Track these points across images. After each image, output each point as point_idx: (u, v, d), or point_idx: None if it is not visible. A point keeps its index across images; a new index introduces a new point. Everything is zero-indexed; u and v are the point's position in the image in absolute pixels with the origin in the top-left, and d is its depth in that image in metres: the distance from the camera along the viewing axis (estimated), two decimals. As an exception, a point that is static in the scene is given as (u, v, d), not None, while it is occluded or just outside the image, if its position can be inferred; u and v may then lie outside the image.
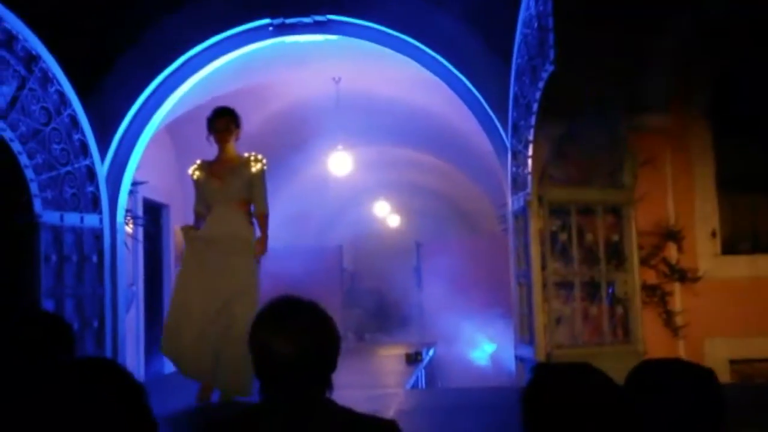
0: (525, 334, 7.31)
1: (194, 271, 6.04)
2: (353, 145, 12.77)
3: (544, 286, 6.99)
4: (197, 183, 6.41)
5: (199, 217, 6.41)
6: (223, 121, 6.39)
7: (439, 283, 14.90)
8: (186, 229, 6.39)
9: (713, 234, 7.82)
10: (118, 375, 1.66)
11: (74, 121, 7.45)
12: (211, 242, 6.10)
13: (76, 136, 7.48)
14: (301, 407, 2.06)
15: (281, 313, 2.12)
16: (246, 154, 6.46)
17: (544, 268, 7.00)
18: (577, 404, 1.88)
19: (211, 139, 6.44)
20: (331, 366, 2.12)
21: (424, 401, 7.05)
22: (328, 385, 2.12)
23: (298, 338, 2.06)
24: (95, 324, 7.54)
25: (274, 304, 2.15)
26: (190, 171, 6.51)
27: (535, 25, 6.64)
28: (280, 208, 15.45)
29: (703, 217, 7.82)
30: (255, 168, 6.38)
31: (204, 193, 6.36)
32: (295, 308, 2.14)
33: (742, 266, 7.79)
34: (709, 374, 2.09)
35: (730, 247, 7.92)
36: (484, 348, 14.14)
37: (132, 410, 1.62)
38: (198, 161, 6.52)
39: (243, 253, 6.11)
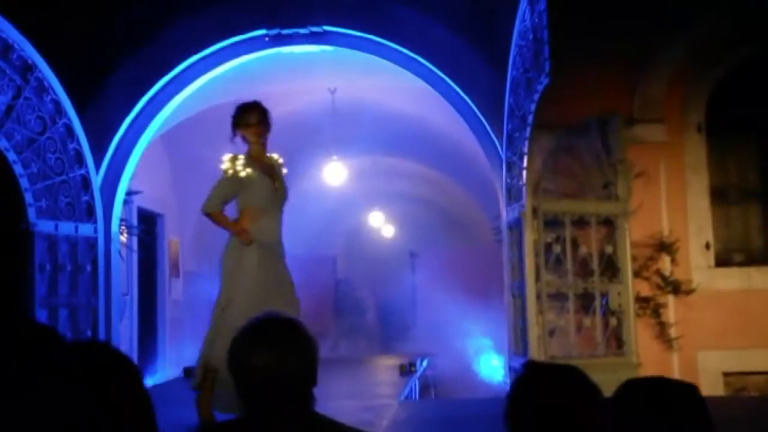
0: (519, 345, 7.32)
1: (260, 280, 5.49)
2: (348, 155, 12.79)
3: (538, 297, 7.00)
4: (245, 180, 5.57)
5: (217, 218, 5.68)
6: (257, 113, 5.77)
7: (433, 294, 14.90)
8: (247, 232, 5.58)
9: (707, 246, 7.84)
10: (111, 355, 1.67)
11: (69, 130, 7.46)
12: (271, 249, 5.63)
13: (71, 146, 7.49)
14: (284, 422, 2.06)
15: (260, 330, 2.14)
16: (269, 155, 5.89)
17: (538, 279, 7.01)
18: (560, 405, 1.94)
19: (243, 136, 5.74)
20: (311, 382, 2.12)
21: (418, 413, 7.05)
22: (309, 400, 2.12)
23: (276, 355, 2.07)
24: (88, 333, 7.52)
25: (254, 322, 2.16)
26: (234, 165, 5.60)
27: (531, 37, 6.67)
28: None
29: (697, 230, 7.85)
30: (285, 171, 5.92)
31: (255, 193, 5.60)
32: (274, 325, 2.15)
33: (735, 279, 7.81)
34: (693, 390, 2.10)
35: (723, 260, 7.94)
36: (479, 358, 14.13)
37: (126, 387, 1.63)
38: (237, 155, 5.68)
39: (284, 262, 5.77)
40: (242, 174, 5.55)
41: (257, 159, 5.67)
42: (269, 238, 5.60)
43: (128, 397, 1.64)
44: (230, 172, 5.56)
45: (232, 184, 5.56)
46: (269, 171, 5.71)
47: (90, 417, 1.56)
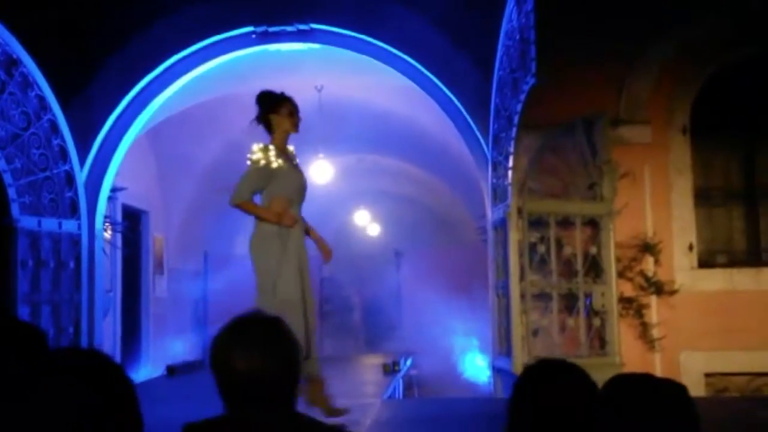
0: (503, 345, 7.34)
1: (297, 273, 5.40)
2: (334, 154, 12.78)
3: (523, 297, 7.02)
4: (275, 170, 5.42)
5: (249, 207, 5.46)
6: (294, 104, 5.61)
7: (419, 293, 14.91)
8: (289, 215, 5.42)
9: (690, 247, 7.88)
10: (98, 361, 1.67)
11: (54, 126, 7.42)
12: (302, 239, 5.53)
13: (55, 142, 7.45)
14: (265, 421, 2.06)
15: (240, 329, 2.13)
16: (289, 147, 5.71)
17: (522, 279, 7.04)
18: (562, 401, 1.98)
19: (275, 123, 5.54)
20: (292, 381, 2.12)
21: (401, 412, 7.05)
22: (290, 400, 2.12)
23: (257, 355, 2.06)
24: (71, 330, 7.49)
25: (235, 320, 2.15)
26: (267, 155, 5.43)
27: (517, 37, 6.69)
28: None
29: (681, 231, 7.89)
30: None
31: (284, 184, 5.46)
32: (255, 324, 2.14)
33: (718, 280, 7.86)
34: (682, 390, 2.12)
35: (706, 261, 7.98)
36: (463, 357, 14.16)
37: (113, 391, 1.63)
38: (267, 145, 5.49)
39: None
40: (274, 165, 5.42)
41: (284, 151, 5.55)
42: (298, 229, 5.50)
43: (117, 399, 1.64)
44: (262, 162, 5.40)
45: (262, 175, 5.41)
46: (296, 164, 5.64)
47: (79, 418, 1.56)
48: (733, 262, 8.04)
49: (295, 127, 5.60)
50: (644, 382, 2.12)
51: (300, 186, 5.58)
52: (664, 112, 7.95)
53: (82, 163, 7.86)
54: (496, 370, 7.68)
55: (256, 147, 5.48)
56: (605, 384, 2.15)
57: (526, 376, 2.14)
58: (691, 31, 7.73)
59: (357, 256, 20.69)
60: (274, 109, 5.57)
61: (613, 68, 7.79)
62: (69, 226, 7.55)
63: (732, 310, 7.60)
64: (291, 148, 5.66)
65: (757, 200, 8.12)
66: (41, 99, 7.29)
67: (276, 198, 5.43)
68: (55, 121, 7.40)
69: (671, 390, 2.10)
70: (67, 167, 7.55)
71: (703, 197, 8.07)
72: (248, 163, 5.48)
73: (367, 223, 20.58)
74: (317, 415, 5.22)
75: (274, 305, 5.25)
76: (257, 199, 5.51)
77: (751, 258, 8.05)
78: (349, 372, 12.41)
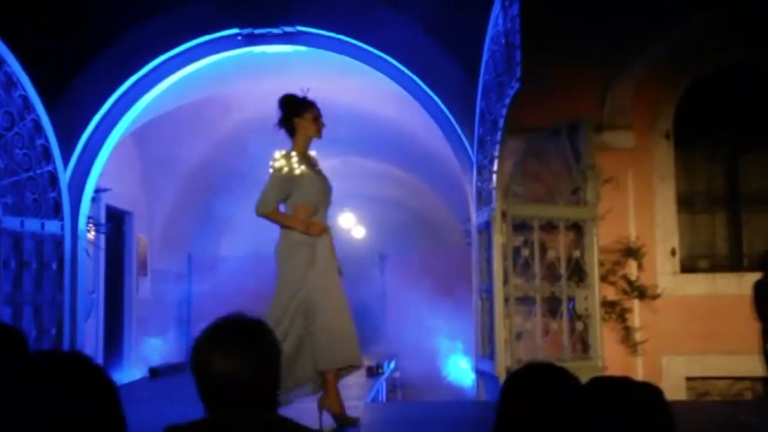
0: (486, 348, 7.35)
1: (326, 280, 5.36)
2: (319, 155, 12.76)
3: (506, 300, 7.04)
4: (299, 178, 5.32)
5: (276, 217, 5.39)
6: (318, 109, 5.53)
7: (403, 296, 14.92)
8: (317, 224, 5.36)
9: (672, 252, 7.93)
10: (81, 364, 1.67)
11: (37, 126, 7.37)
12: (330, 245, 5.50)
13: (39, 142, 7.40)
14: (244, 424, 2.06)
15: (220, 331, 2.13)
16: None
17: (506, 283, 7.06)
18: (549, 403, 2.01)
19: (301, 127, 5.45)
20: (272, 384, 2.12)
21: (384, 414, 7.06)
22: (270, 402, 2.12)
23: (236, 357, 2.06)
24: (53, 332, 7.45)
25: (215, 323, 2.15)
26: (290, 163, 5.33)
27: (503, 41, 6.71)
28: (243, 218, 15.39)
29: (663, 236, 7.94)
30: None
31: (309, 190, 5.36)
32: (235, 326, 2.14)
33: (700, 284, 7.91)
34: (658, 393, 2.14)
35: (688, 266, 8.04)
36: (447, 360, 14.17)
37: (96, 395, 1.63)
38: (289, 152, 5.40)
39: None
40: (297, 172, 5.32)
41: (304, 155, 5.45)
42: (327, 236, 5.43)
43: (100, 401, 1.64)
44: (285, 170, 5.30)
45: (286, 183, 5.32)
46: (315, 167, 5.52)
47: (63, 420, 1.56)
48: (715, 267, 8.10)
49: (319, 132, 5.51)
50: (620, 384, 2.14)
51: (324, 191, 5.48)
52: (647, 118, 8.00)
53: (65, 163, 7.82)
54: (480, 373, 7.70)
55: (278, 154, 5.39)
56: (584, 386, 2.18)
57: (514, 379, 2.16)
58: (675, 37, 7.79)
59: (341, 259, 20.68)
60: (299, 113, 5.47)
61: (597, 73, 7.83)
62: (52, 226, 7.51)
63: (714, 315, 7.65)
64: (312, 153, 5.56)
65: (740, 206, 8.18)
66: (25, 99, 7.25)
67: (301, 206, 5.34)
68: (38, 121, 7.36)
69: (647, 393, 2.12)
70: (50, 168, 7.51)
71: (685, 202, 8.13)
72: (270, 171, 5.37)
73: (351, 225, 20.56)
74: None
75: (288, 313, 5.25)
76: (281, 207, 5.42)
77: (733, 263, 8.11)
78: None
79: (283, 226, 5.39)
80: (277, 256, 5.42)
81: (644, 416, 2.05)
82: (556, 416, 2.04)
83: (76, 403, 1.58)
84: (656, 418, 2.07)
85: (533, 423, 2.05)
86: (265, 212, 5.35)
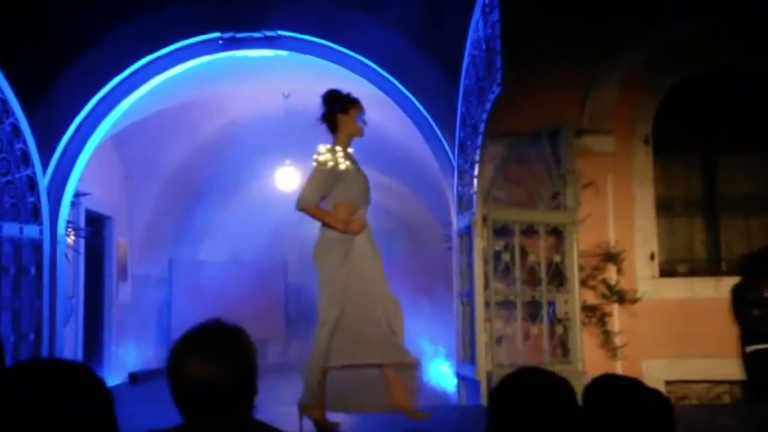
0: (466, 352, 7.37)
1: (361, 279, 5.25)
2: (301, 161, 12.74)
3: (487, 305, 7.06)
4: (343, 173, 5.22)
5: (316, 213, 5.25)
6: (363, 107, 5.44)
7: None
8: (358, 222, 5.22)
9: (652, 257, 7.98)
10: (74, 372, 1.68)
11: (16, 129, 7.32)
12: (373, 244, 5.36)
13: (17, 146, 7.35)
14: (219, 429, 2.06)
15: (196, 337, 2.12)
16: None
17: (486, 287, 7.08)
18: (540, 407, 2.05)
19: (344, 123, 5.35)
20: (248, 389, 2.11)
21: (364, 419, 7.04)
22: (246, 407, 2.11)
23: (208, 362, 2.05)
24: (32, 337, 7.39)
25: (192, 329, 2.14)
26: (335, 157, 5.23)
27: (483, 47, 6.74)
28: (226, 221, 15.35)
29: (643, 240, 7.98)
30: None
31: (352, 187, 5.26)
32: (210, 332, 2.13)
33: (679, 289, 7.96)
34: (667, 402, 2.17)
35: (667, 270, 8.09)
36: (427, 364, 14.17)
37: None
38: (334, 146, 5.29)
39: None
40: (342, 167, 5.20)
41: (347, 155, 5.33)
42: (366, 234, 5.27)
43: (97, 409, 1.66)
44: (330, 164, 5.18)
45: (330, 178, 5.18)
46: (357, 164, 5.40)
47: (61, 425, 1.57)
48: (693, 271, 8.15)
49: (361, 130, 5.41)
50: (631, 385, 2.16)
51: (366, 189, 5.36)
52: (627, 123, 8.05)
53: (45, 167, 7.77)
54: (461, 378, 7.71)
55: (323, 148, 5.29)
56: (589, 385, 2.19)
57: (505, 384, 2.15)
58: (654, 41, 7.85)
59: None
60: (344, 110, 5.37)
61: (578, 79, 7.87)
62: (30, 231, 7.45)
63: (692, 319, 7.70)
64: (351, 150, 5.43)
65: (718, 211, 8.24)
66: (3, 102, 7.20)
67: (342, 204, 5.21)
68: (17, 124, 7.31)
69: (656, 397, 2.15)
70: (29, 172, 7.46)
71: (664, 207, 8.18)
72: (314, 164, 5.24)
73: (333, 230, 20.57)
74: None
75: (334, 315, 5.15)
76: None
77: (711, 267, 8.17)
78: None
79: (323, 224, 5.26)
80: (314, 256, 5.33)
81: (654, 425, 2.07)
82: (546, 420, 2.05)
83: (73, 411, 1.59)
84: (663, 426, 2.09)
85: (523, 427, 2.06)
86: (306, 207, 5.20)
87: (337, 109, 5.37)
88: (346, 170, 5.21)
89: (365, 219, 5.30)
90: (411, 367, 5.34)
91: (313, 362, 5.22)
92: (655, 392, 2.21)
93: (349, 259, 5.18)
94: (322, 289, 5.28)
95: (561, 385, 2.12)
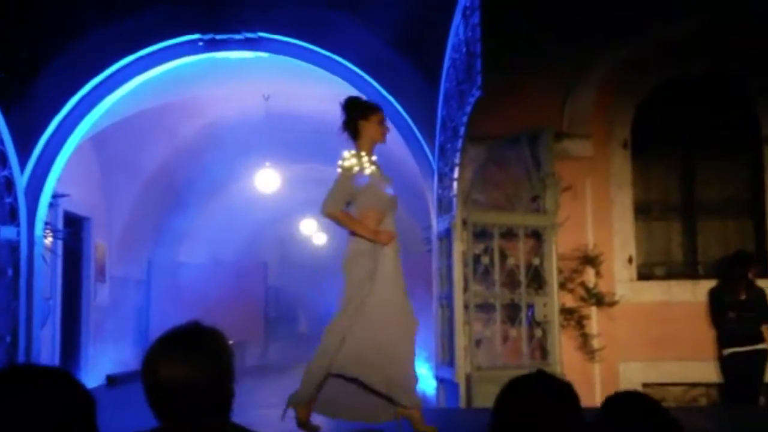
0: (446, 355, 7.38)
1: (389, 290, 5.13)
2: (281, 162, 12.74)
3: (466, 307, 7.08)
4: (368, 180, 5.10)
5: (342, 219, 5.12)
6: (383, 113, 5.34)
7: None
8: (386, 232, 5.11)
9: (630, 260, 8.04)
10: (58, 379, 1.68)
11: (-7, 129, 7.27)
12: (398, 252, 5.23)
13: (-6, 146, 7.30)
14: (197, 431, 2.05)
15: (170, 339, 2.12)
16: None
17: (466, 290, 7.10)
18: (544, 412, 2.06)
19: (365, 130, 5.21)
20: (223, 391, 2.11)
21: (344, 422, 7.03)
22: (222, 409, 2.11)
23: (181, 363, 2.05)
24: (8, 339, 7.33)
25: (169, 331, 2.14)
26: (361, 163, 5.10)
27: (464, 50, 6.76)
28: (205, 223, 15.29)
29: (621, 244, 8.04)
30: None
31: (377, 193, 5.15)
32: (185, 335, 2.12)
33: (656, 292, 8.02)
34: (674, 421, 2.20)
35: (645, 273, 8.15)
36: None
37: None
38: (360, 152, 5.15)
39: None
40: (367, 172, 5.08)
41: (371, 158, 5.20)
42: (393, 245, 5.15)
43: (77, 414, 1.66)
44: (356, 169, 5.06)
45: (352, 181, 5.08)
46: (382, 171, 5.28)
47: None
48: (671, 275, 8.22)
49: (384, 136, 5.29)
50: (648, 403, 2.19)
51: (392, 197, 5.25)
52: (605, 127, 8.11)
53: (22, 168, 7.71)
54: (440, 380, 7.72)
55: (347, 153, 5.16)
56: (609, 399, 2.23)
57: (509, 388, 2.16)
58: (633, 46, 7.91)
59: (303, 266, 20.63)
60: (365, 116, 5.26)
61: (557, 83, 7.92)
62: (7, 232, 7.39)
63: (669, 322, 7.76)
64: (374, 157, 5.28)
65: (695, 214, 8.32)
66: (-20, 102, 7.15)
67: (369, 212, 5.10)
68: (-6, 124, 7.26)
69: (665, 416, 2.18)
70: (6, 172, 7.40)
71: (642, 211, 8.24)
72: (339, 170, 5.16)
73: (313, 232, 20.53)
74: None
75: (343, 326, 5.07)
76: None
77: (688, 270, 8.24)
78: (293, 381, 12.33)
79: (351, 232, 5.17)
80: (343, 266, 5.20)
81: None
82: (549, 423, 2.06)
83: (53, 418, 1.60)
84: None
85: (527, 430, 2.07)
86: (332, 212, 5.10)
87: (357, 115, 5.28)
88: (372, 176, 5.11)
89: (393, 227, 5.23)
90: (411, 408, 5.29)
91: (316, 363, 5.20)
92: (674, 422, 2.25)
93: (374, 279, 5.08)
94: (343, 298, 5.20)
95: (564, 389, 2.13)
